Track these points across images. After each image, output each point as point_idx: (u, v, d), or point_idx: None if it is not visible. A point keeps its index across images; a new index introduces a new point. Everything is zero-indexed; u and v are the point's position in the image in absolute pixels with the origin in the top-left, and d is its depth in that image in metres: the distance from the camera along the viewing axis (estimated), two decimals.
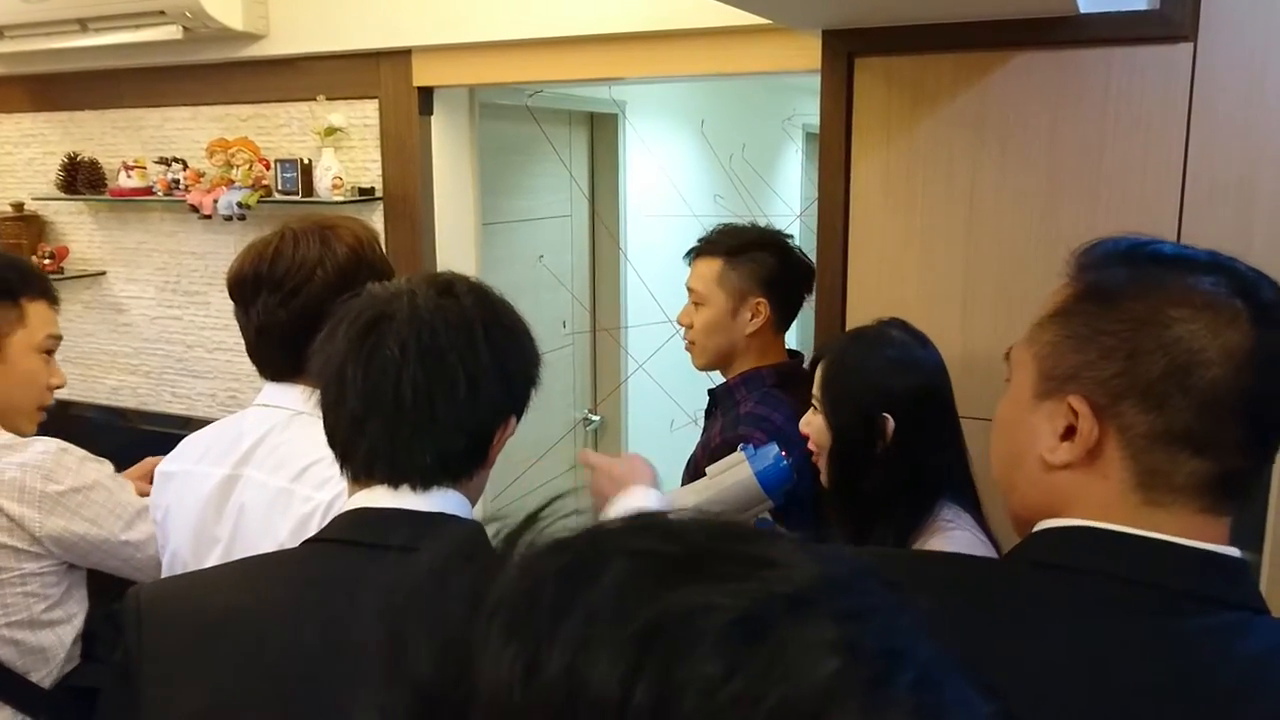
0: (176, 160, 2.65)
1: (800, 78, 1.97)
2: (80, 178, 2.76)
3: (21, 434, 1.61)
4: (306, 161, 2.45)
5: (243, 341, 1.40)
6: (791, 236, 1.96)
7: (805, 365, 1.97)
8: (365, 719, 0.37)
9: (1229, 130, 1.51)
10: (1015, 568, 0.81)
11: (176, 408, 2.88)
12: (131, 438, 2.81)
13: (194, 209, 2.55)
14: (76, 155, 2.78)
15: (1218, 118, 1.51)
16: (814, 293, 1.92)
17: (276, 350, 1.36)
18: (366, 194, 2.44)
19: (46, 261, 2.79)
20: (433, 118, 2.42)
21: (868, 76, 1.72)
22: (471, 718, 0.33)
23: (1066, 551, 0.78)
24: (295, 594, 0.94)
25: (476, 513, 1.45)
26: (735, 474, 1.57)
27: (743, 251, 1.87)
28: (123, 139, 2.80)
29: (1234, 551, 0.76)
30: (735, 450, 1.74)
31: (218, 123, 2.65)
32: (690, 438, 2.03)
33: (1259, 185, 1.50)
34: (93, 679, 1.56)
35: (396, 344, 0.93)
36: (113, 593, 1.51)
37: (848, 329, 1.78)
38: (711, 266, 1.88)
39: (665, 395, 3.61)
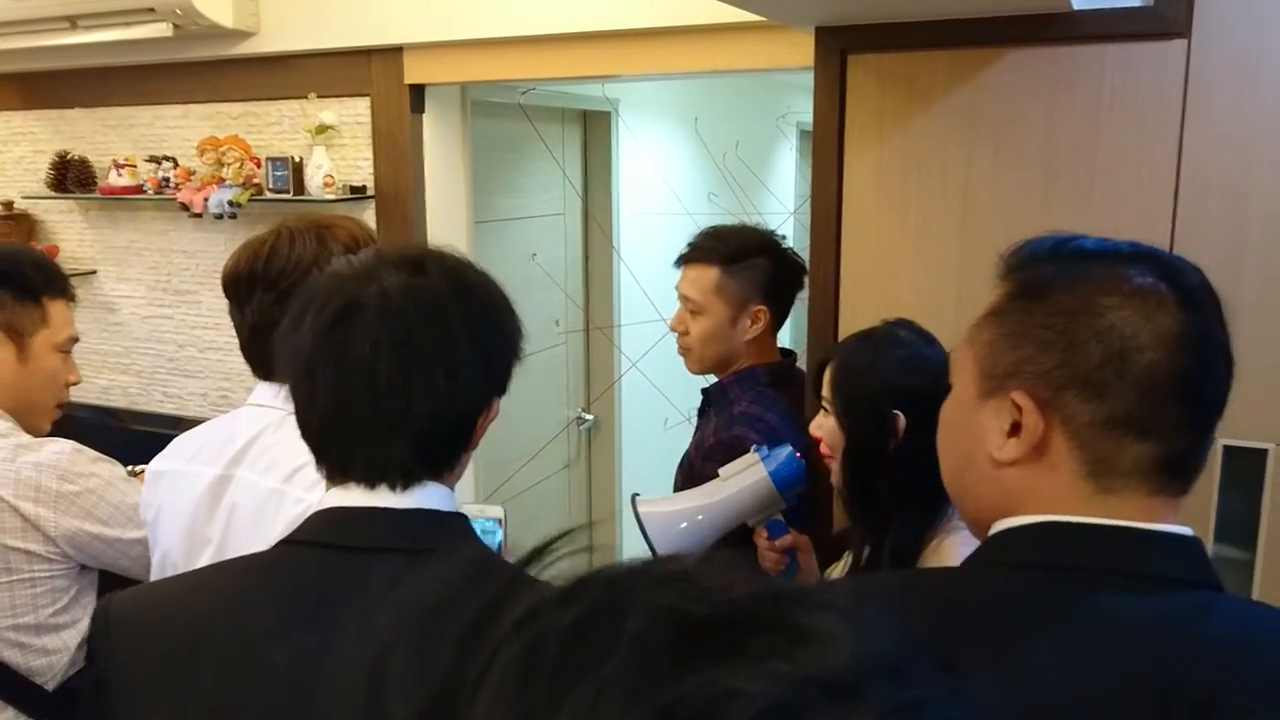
0: (167, 158, 2.64)
1: (794, 75, 1.96)
2: (70, 176, 2.75)
3: (39, 431, 1.62)
4: (298, 160, 2.44)
5: (235, 340, 1.40)
6: (784, 237, 1.95)
7: (799, 364, 1.97)
8: None
9: (1223, 127, 1.50)
10: (978, 571, 0.81)
11: (168, 407, 2.87)
12: (123, 438, 2.80)
13: (185, 207, 2.54)
14: (66, 153, 2.77)
15: (1212, 114, 1.51)
16: (806, 290, 1.91)
17: (270, 350, 1.35)
18: (358, 192, 2.43)
19: None
20: (424, 115, 2.41)
21: (861, 73, 1.72)
22: None
23: (1026, 549, 0.79)
24: (268, 609, 0.89)
25: (468, 494, 1.45)
26: (749, 475, 1.57)
27: (740, 259, 1.85)
28: (113, 137, 2.79)
29: (1187, 530, 0.77)
30: (729, 450, 1.74)
31: (208, 121, 2.64)
32: (684, 436, 2.03)
33: (1253, 181, 1.49)
34: None
35: (368, 339, 0.88)
36: None
37: (853, 331, 1.77)
38: (708, 275, 1.85)
39: (659, 394, 3.60)
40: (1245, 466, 1.54)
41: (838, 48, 1.72)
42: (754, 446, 1.61)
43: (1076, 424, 0.77)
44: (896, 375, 1.39)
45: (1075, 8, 1.53)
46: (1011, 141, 1.63)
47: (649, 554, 1.53)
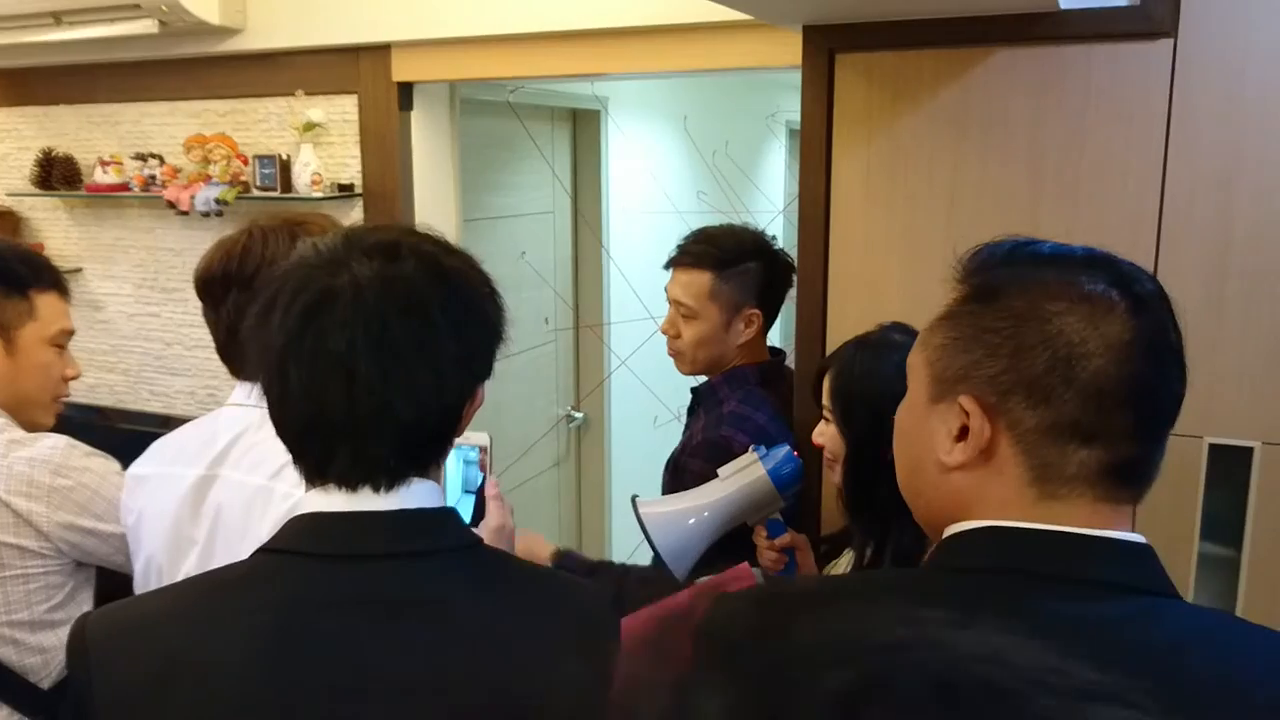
0: (153, 156, 2.63)
1: (783, 74, 1.96)
2: (55, 173, 2.73)
3: (40, 426, 1.62)
4: (285, 157, 2.43)
5: None
6: (775, 237, 1.94)
7: (788, 362, 1.98)
8: None
9: (1209, 126, 1.51)
10: (928, 576, 0.81)
11: (155, 406, 2.86)
12: (110, 437, 2.78)
13: (171, 205, 2.52)
14: (51, 151, 2.75)
15: (1198, 114, 1.51)
16: (794, 287, 1.91)
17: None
18: (346, 190, 2.42)
19: None
20: (413, 113, 2.41)
21: (849, 72, 1.72)
22: None
23: (971, 554, 0.79)
24: (247, 628, 0.84)
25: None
26: (748, 475, 1.57)
27: (733, 263, 1.85)
28: (98, 134, 2.77)
29: (1136, 537, 0.77)
30: (716, 448, 1.74)
31: (195, 118, 2.62)
32: (673, 434, 2.03)
33: (1239, 181, 1.50)
34: None
35: (342, 336, 0.83)
36: (120, 595, 1.50)
37: (841, 328, 1.78)
38: (701, 280, 1.84)
39: (648, 392, 3.61)
40: (1231, 465, 1.54)
41: (825, 46, 1.72)
42: (751, 446, 1.61)
43: (1022, 429, 0.76)
44: (895, 380, 1.38)
45: (1062, 7, 1.53)
46: (998, 140, 1.63)
47: (651, 554, 1.54)
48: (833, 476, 1.48)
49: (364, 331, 0.83)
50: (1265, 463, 1.52)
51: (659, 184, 3.86)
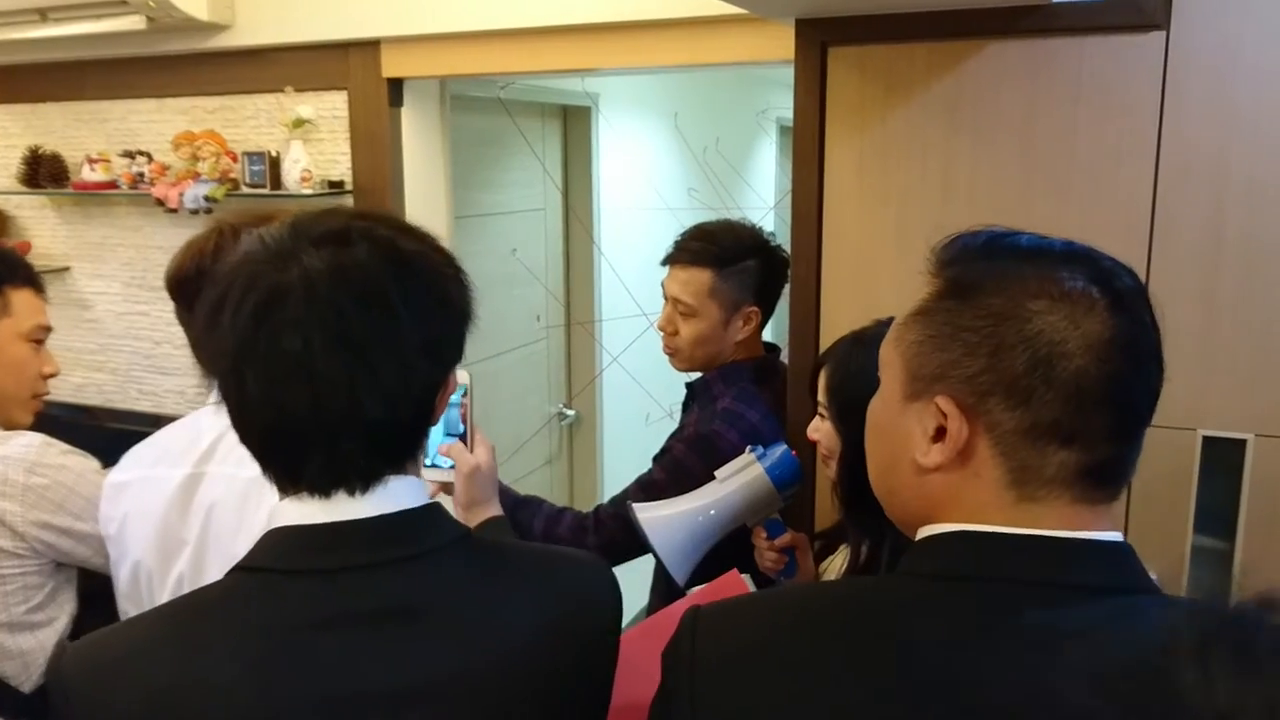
0: (141, 153, 2.61)
1: (774, 71, 1.96)
2: (43, 171, 2.71)
3: (18, 425, 1.60)
4: (274, 154, 2.42)
5: None
6: (772, 234, 1.94)
7: (782, 358, 1.97)
8: None
9: (1201, 118, 1.51)
10: (904, 584, 0.79)
11: (144, 405, 2.84)
12: (98, 436, 2.77)
13: (160, 203, 2.51)
14: (38, 148, 2.73)
15: (1190, 105, 1.51)
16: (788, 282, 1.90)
17: None
18: (336, 187, 2.41)
19: None
20: (403, 109, 2.40)
21: (841, 66, 1.72)
22: None
23: (948, 559, 0.77)
24: (235, 658, 0.78)
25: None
26: (746, 475, 1.56)
27: (733, 261, 1.84)
28: (86, 131, 2.75)
29: (1113, 536, 0.76)
30: (704, 442, 1.74)
31: (183, 115, 2.61)
32: (665, 431, 2.02)
33: (1232, 173, 1.50)
34: None
35: (298, 335, 0.77)
36: (104, 596, 1.48)
37: (835, 323, 1.78)
38: (701, 277, 1.83)
39: (640, 389, 3.60)
40: (1224, 457, 1.54)
41: (818, 40, 1.72)
42: (749, 447, 1.61)
43: (1001, 431, 0.74)
44: None
45: (1054, 0, 1.53)
46: (991, 133, 1.63)
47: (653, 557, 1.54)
48: (828, 472, 1.47)
49: (320, 328, 0.77)
50: (1258, 455, 1.53)
51: (650, 181, 3.85)
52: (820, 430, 1.47)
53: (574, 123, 3.45)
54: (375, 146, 2.38)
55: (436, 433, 1.39)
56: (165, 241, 2.70)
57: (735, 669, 0.75)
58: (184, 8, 2.28)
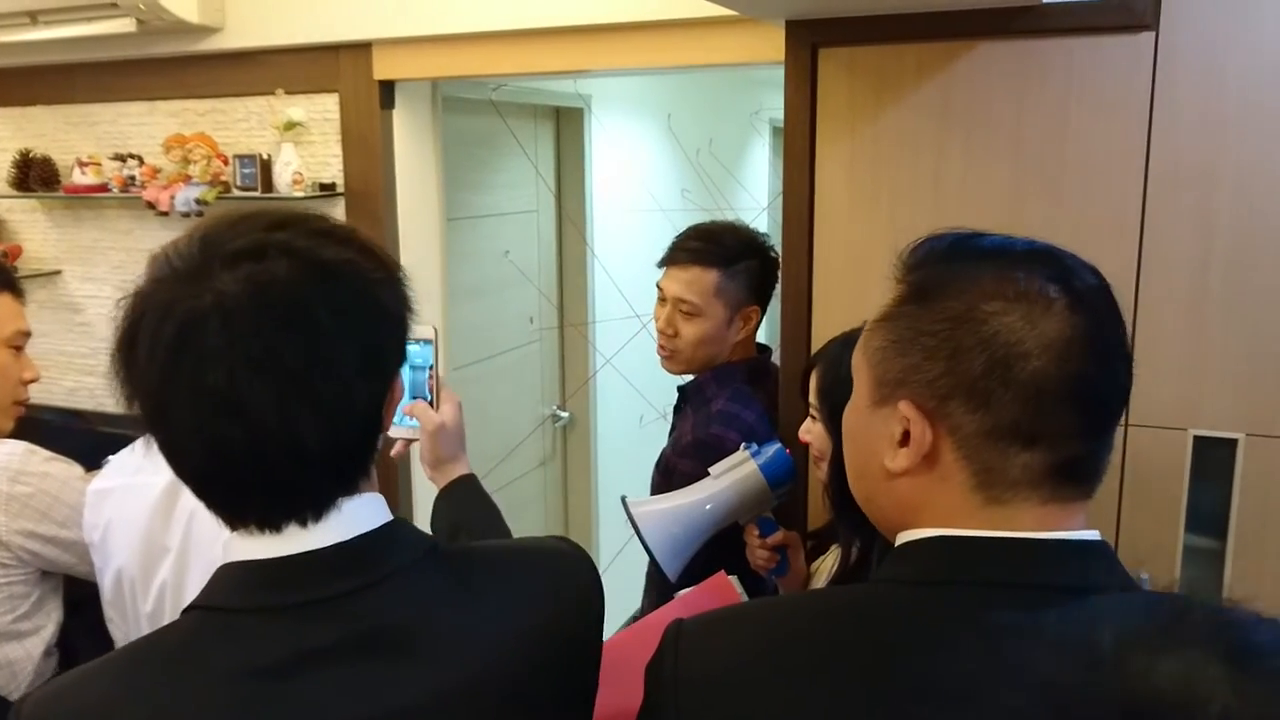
0: (132, 156, 2.60)
1: (766, 72, 1.96)
2: (33, 175, 2.70)
3: (0, 432, 1.58)
4: (266, 157, 2.41)
5: None
6: (767, 235, 1.94)
7: (774, 358, 1.97)
8: None
9: (1191, 118, 1.51)
10: (880, 591, 0.79)
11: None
12: (89, 440, 2.76)
13: (151, 206, 2.50)
14: (29, 152, 2.72)
15: (1180, 106, 1.52)
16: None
17: None
18: (328, 189, 2.41)
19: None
20: (394, 111, 2.39)
21: (832, 67, 1.72)
22: None
23: (924, 565, 0.77)
24: (205, 708, 0.74)
25: None
26: (740, 472, 1.57)
27: (736, 260, 1.85)
28: (76, 135, 2.74)
29: (1089, 534, 0.75)
30: (707, 448, 1.73)
31: (174, 118, 2.60)
32: (659, 432, 2.02)
33: (1221, 173, 1.50)
34: None
35: (221, 370, 0.71)
36: (92, 603, 1.47)
37: (826, 324, 1.78)
38: (707, 277, 1.83)
39: (634, 390, 3.60)
40: (1215, 456, 1.55)
41: (809, 41, 1.72)
42: (744, 444, 1.61)
43: (962, 434, 0.74)
44: None
45: (1045, 0, 1.53)
46: (982, 133, 1.63)
47: (646, 554, 1.53)
48: (819, 474, 1.47)
49: (244, 359, 0.71)
50: (1250, 454, 1.53)
51: (643, 182, 3.85)
52: (812, 432, 1.47)
53: (566, 124, 3.45)
54: (367, 149, 2.38)
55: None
56: (156, 244, 2.65)
57: (718, 684, 0.74)
58: (174, 10, 2.28)
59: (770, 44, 1.85)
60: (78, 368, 2.88)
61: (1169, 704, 0.61)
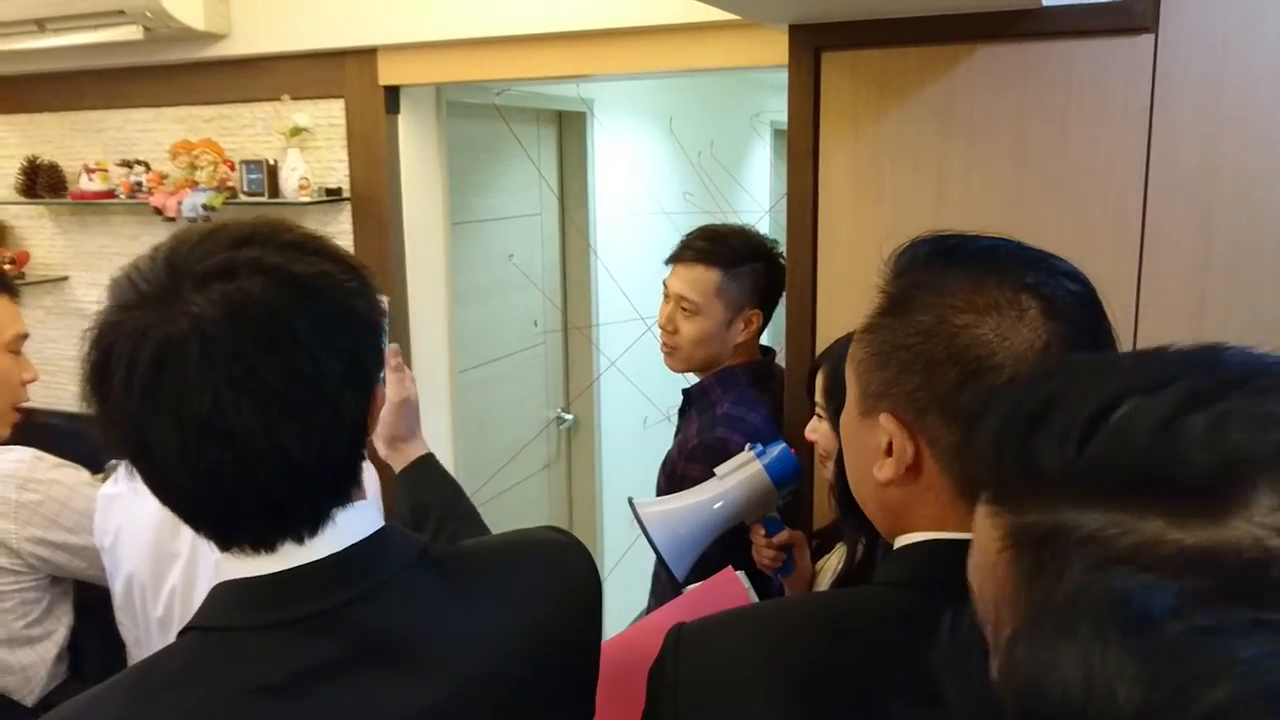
0: (139, 162, 2.62)
1: (768, 75, 1.97)
2: (40, 181, 2.72)
3: None
4: (272, 162, 2.43)
5: None
6: (776, 242, 1.95)
7: (778, 360, 1.98)
8: None
9: (1191, 121, 1.52)
10: (877, 594, 0.80)
11: None
12: (97, 445, 2.77)
13: (158, 212, 2.51)
14: (36, 158, 2.74)
15: (1180, 108, 1.53)
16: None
17: None
18: (334, 194, 2.42)
19: (7, 266, 2.75)
20: (399, 117, 2.41)
21: (835, 70, 1.73)
22: None
23: (918, 567, 0.78)
24: None
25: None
26: (746, 473, 1.58)
27: (740, 262, 1.86)
28: (83, 141, 2.76)
29: None
30: (713, 451, 1.74)
31: (180, 124, 2.62)
32: (663, 435, 2.03)
33: (1221, 175, 1.51)
34: None
35: (204, 394, 0.69)
36: (100, 606, 1.48)
37: (830, 325, 1.79)
38: (709, 277, 1.85)
39: (638, 393, 3.61)
40: None
41: (812, 45, 1.73)
42: (749, 445, 1.62)
43: (941, 446, 0.75)
44: None
45: (1045, 4, 1.54)
46: (983, 136, 1.65)
47: (653, 554, 1.55)
48: (825, 473, 1.48)
49: (228, 381, 0.70)
50: None
51: (645, 185, 3.87)
52: (818, 431, 1.48)
53: (569, 128, 3.46)
54: (372, 153, 2.39)
55: None
56: None
57: (718, 689, 0.75)
58: (181, 17, 2.29)
59: (772, 48, 1.86)
60: None
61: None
